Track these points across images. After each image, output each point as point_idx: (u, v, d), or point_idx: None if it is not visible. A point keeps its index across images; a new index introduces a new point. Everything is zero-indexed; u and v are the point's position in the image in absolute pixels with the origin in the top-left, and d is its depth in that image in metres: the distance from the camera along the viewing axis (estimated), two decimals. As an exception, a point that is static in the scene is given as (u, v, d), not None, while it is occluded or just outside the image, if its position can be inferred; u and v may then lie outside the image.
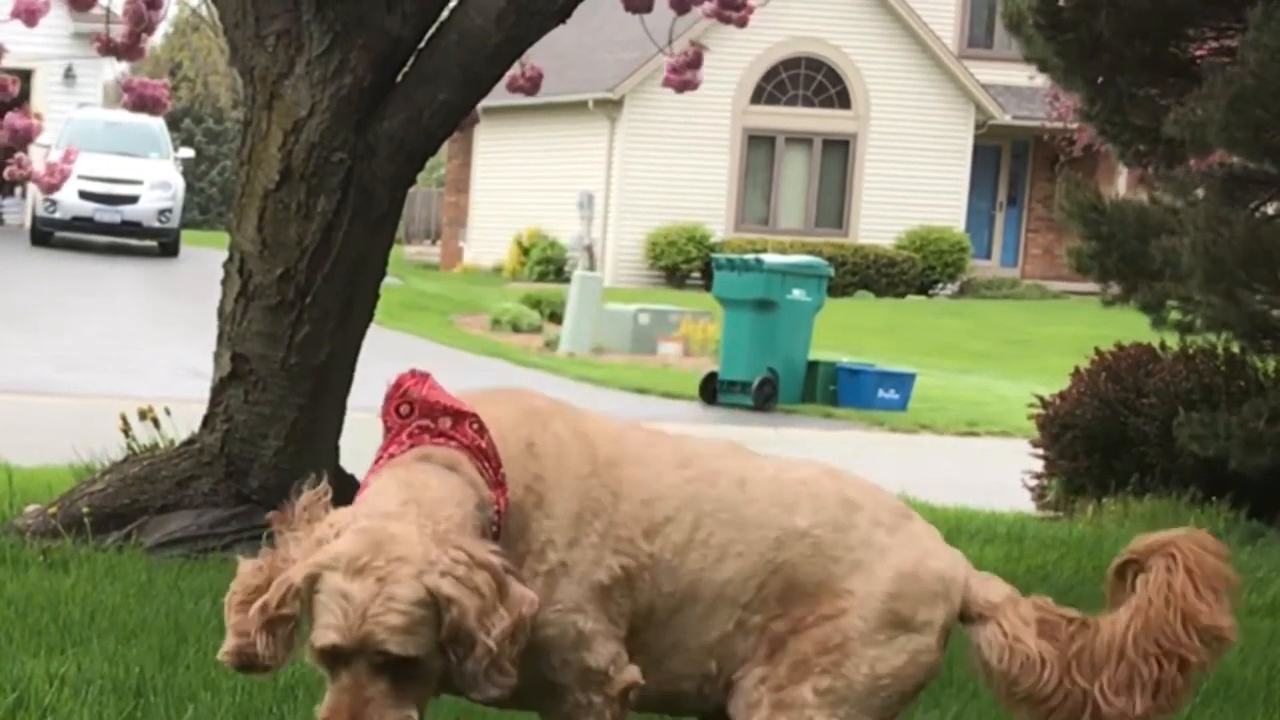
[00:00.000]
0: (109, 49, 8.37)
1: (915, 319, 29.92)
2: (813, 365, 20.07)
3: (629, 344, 23.74)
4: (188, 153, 36.95)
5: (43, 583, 6.22)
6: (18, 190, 34.15)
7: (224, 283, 7.33)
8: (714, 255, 24.90)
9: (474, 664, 3.05)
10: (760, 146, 34.45)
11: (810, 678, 3.35)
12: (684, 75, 9.44)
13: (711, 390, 19.70)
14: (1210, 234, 9.69)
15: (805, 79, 34.19)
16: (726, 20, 9.06)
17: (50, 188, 9.56)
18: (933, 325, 29.05)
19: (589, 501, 3.29)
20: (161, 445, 7.89)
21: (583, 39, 30.68)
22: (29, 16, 8.40)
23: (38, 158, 9.69)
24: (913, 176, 34.29)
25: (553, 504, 3.26)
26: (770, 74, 33.76)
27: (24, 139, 8.83)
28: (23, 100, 10.96)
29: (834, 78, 34.31)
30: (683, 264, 33.36)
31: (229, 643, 3.12)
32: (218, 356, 7.26)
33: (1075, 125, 25.48)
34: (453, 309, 28.38)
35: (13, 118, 8.67)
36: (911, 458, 16.08)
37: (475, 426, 3.23)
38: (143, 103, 8.62)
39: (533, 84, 8.83)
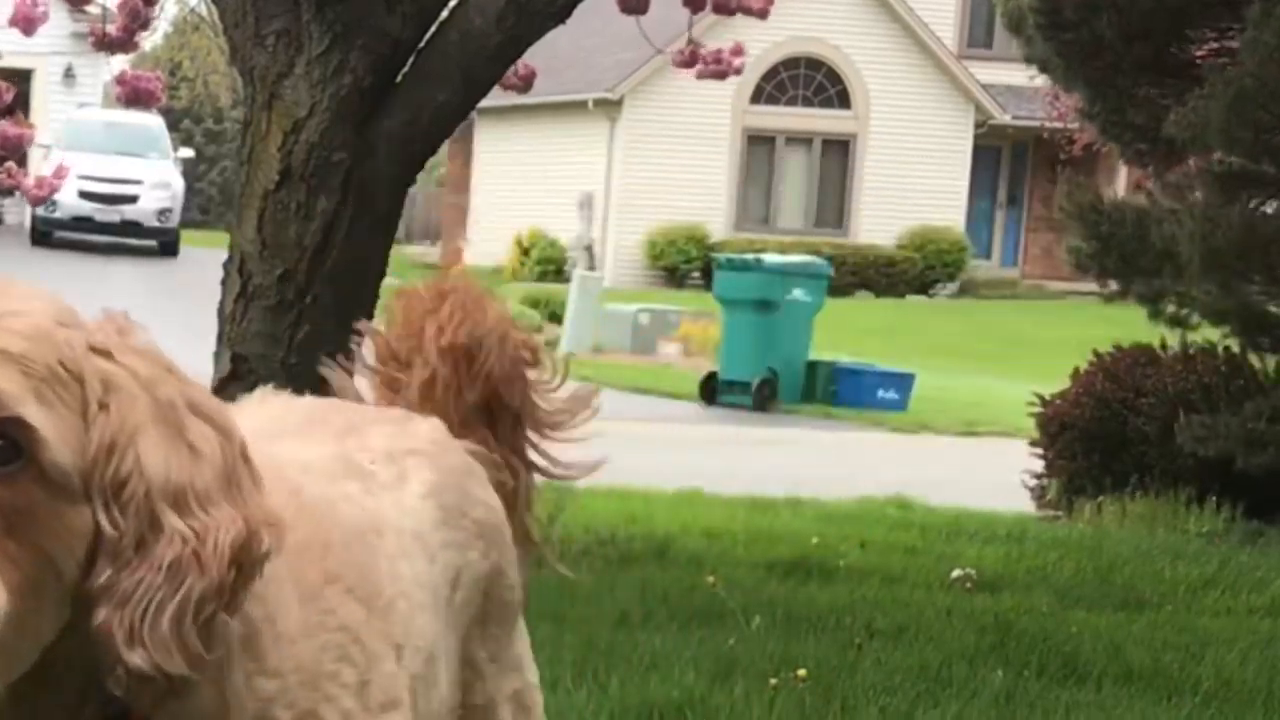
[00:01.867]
0: (104, 43, 8.36)
1: (915, 319, 29.92)
2: (812, 365, 20.07)
3: (629, 344, 23.74)
4: (187, 153, 36.93)
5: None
6: (18, 191, 34.11)
7: (224, 283, 7.33)
8: (714, 255, 24.90)
9: (141, 572, 1.68)
10: (760, 146, 34.44)
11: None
12: (714, 65, 9.32)
13: (711, 390, 19.70)
14: (1207, 224, 9.72)
15: (805, 79, 34.18)
16: (748, 11, 8.96)
17: (37, 200, 9.56)
18: (932, 325, 29.05)
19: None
20: (161, 445, 7.87)
21: (582, 39, 30.67)
22: (26, 25, 8.39)
23: (36, 158, 9.68)
24: (912, 176, 34.28)
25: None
26: (770, 74, 33.75)
27: (15, 148, 8.82)
28: (23, 102, 10.97)
29: (834, 78, 34.30)
30: (683, 264, 33.35)
31: None
32: (217, 357, 7.26)
33: (1075, 125, 25.48)
34: (452, 309, 28.33)
35: (4, 126, 8.66)
36: (911, 458, 16.09)
37: None
38: (136, 96, 8.60)
39: (525, 82, 8.83)
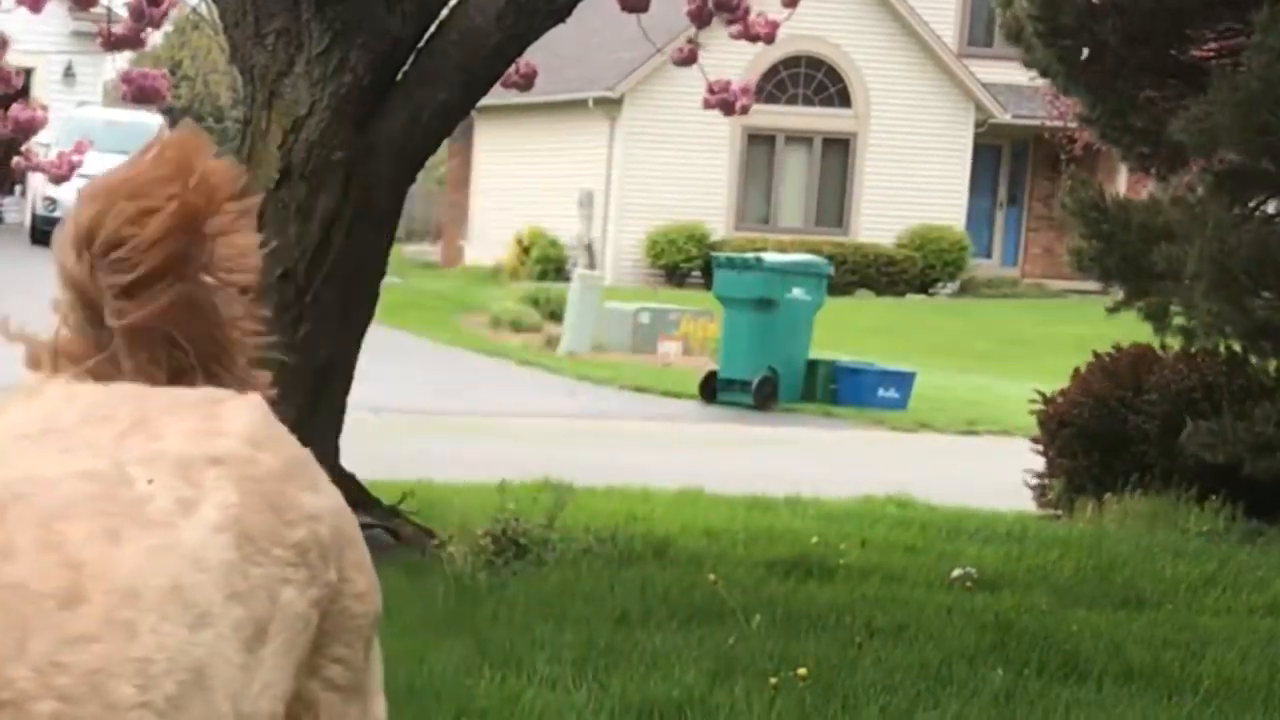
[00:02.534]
0: (110, 43, 8.38)
1: (915, 318, 29.92)
2: (813, 364, 20.07)
3: (629, 343, 23.74)
4: (188, 151, 36.86)
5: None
6: (17, 189, 34.12)
7: (224, 282, 7.33)
8: (714, 254, 24.90)
9: None
10: (760, 145, 34.43)
11: None
12: (722, 95, 9.33)
13: (711, 389, 19.69)
14: (1217, 242, 9.70)
15: (805, 78, 34.17)
16: (755, 38, 9.01)
17: (59, 179, 9.57)
18: (933, 324, 29.05)
19: None
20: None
21: (582, 38, 30.66)
22: (34, 4, 8.40)
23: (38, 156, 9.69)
24: (913, 175, 34.28)
25: None
26: (770, 73, 33.74)
27: (28, 130, 8.85)
28: (24, 97, 11.00)
29: (834, 76, 34.29)
30: (683, 263, 33.35)
31: None
32: (217, 355, 7.25)
33: (1075, 124, 25.47)
34: (453, 308, 28.39)
35: (16, 109, 8.69)
36: (911, 457, 16.08)
37: None
38: (142, 94, 8.62)
39: (527, 80, 8.83)
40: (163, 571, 1.71)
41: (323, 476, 1.98)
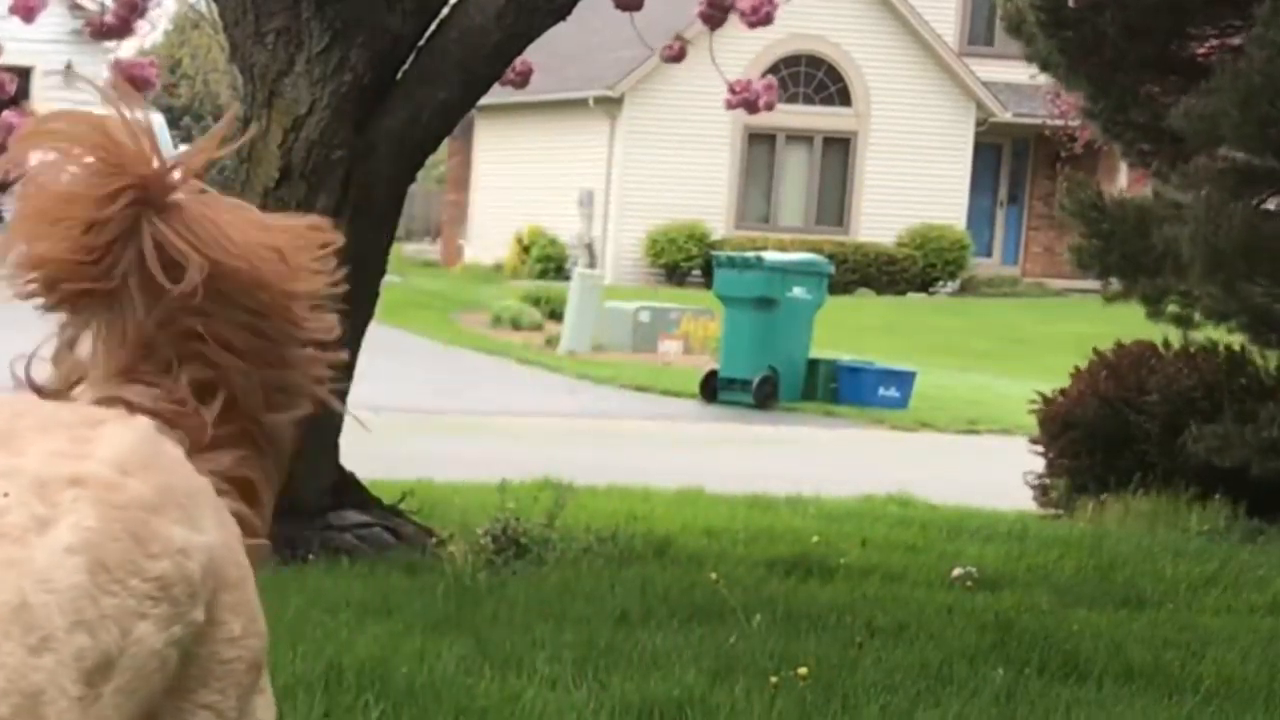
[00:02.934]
0: (101, 31, 8.35)
1: (916, 317, 29.91)
2: (813, 363, 20.07)
3: (629, 342, 23.74)
4: (188, 150, 36.88)
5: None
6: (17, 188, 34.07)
7: (223, 281, 7.33)
8: (714, 253, 24.90)
9: None
10: (760, 144, 34.43)
11: None
12: (744, 95, 9.28)
13: (712, 388, 19.69)
14: (1210, 225, 9.69)
15: (806, 76, 34.17)
16: (752, 25, 9.00)
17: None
18: (933, 323, 29.04)
19: None
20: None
21: (583, 37, 30.66)
22: (26, 13, 8.37)
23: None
24: (913, 174, 34.28)
25: None
26: (770, 71, 33.75)
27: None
28: (22, 98, 10.98)
29: (834, 75, 34.29)
30: (683, 262, 33.35)
31: None
32: (217, 355, 7.25)
33: (1076, 122, 25.47)
34: (453, 307, 28.39)
35: (9, 116, 8.66)
36: (912, 456, 16.08)
37: None
38: (132, 83, 8.58)
39: (522, 78, 8.82)
40: (11, 587, 1.62)
41: (210, 512, 1.85)
